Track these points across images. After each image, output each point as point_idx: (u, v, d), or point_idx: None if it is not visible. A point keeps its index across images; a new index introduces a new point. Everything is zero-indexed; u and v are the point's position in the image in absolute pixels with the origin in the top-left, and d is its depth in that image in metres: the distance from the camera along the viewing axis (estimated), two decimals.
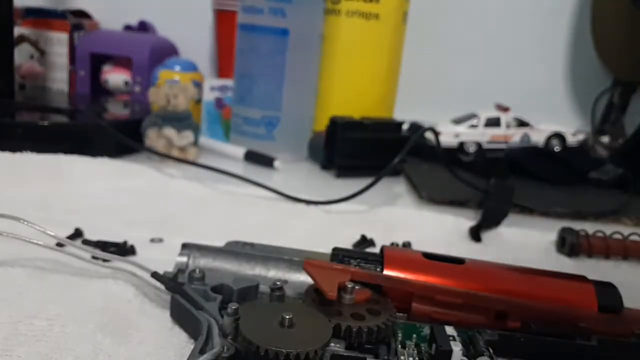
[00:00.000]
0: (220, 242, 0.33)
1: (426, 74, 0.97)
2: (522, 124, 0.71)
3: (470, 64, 0.99)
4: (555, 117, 0.84)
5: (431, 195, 0.53)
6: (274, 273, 0.30)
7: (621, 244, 0.42)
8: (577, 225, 0.45)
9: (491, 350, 0.23)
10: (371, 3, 0.69)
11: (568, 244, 0.42)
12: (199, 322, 0.24)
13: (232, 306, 0.23)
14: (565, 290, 0.27)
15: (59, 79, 0.82)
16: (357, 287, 0.26)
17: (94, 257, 0.32)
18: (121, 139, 0.56)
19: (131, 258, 0.33)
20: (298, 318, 0.22)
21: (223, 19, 0.88)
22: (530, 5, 0.97)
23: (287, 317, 0.22)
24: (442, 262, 0.28)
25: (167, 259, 0.33)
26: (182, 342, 0.25)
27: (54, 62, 0.82)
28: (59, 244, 0.33)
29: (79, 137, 0.56)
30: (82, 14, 0.87)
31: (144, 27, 0.89)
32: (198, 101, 0.71)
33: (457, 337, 0.24)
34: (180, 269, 0.29)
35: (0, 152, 0.50)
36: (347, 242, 0.40)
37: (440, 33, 0.98)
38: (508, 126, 0.71)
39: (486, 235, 0.45)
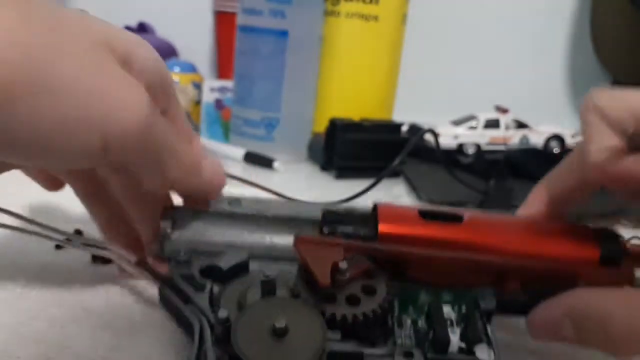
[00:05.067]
0: None
1: (425, 75, 0.97)
2: (521, 125, 0.71)
3: (470, 66, 0.99)
4: (554, 118, 0.84)
5: (430, 196, 0.53)
6: (267, 238, 0.28)
7: None
8: None
9: (489, 330, 0.23)
10: (370, 5, 0.69)
11: None
12: (190, 322, 0.23)
13: (222, 314, 0.22)
14: (566, 244, 0.27)
15: None
16: (350, 260, 0.25)
17: (94, 258, 0.32)
18: None
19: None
20: (291, 321, 0.21)
21: (223, 21, 0.89)
22: (530, 7, 0.98)
23: (280, 326, 0.21)
24: (439, 220, 0.27)
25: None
26: (182, 343, 0.25)
27: None
28: (58, 246, 0.33)
29: None
30: None
31: (143, 28, 0.89)
32: (197, 102, 0.71)
33: (454, 319, 0.24)
34: (165, 235, 0.27)
35: None
36: None
37: (439, 35, 0.98)
38: (507, 128, 0.71)
39: None
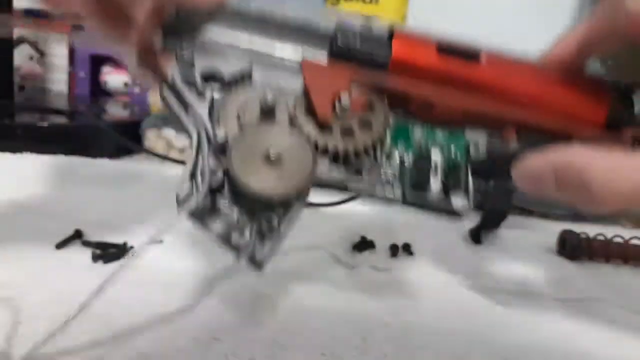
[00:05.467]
0: None
1: None
2: None
3: None
4: None
5: None
6: (273, 47, 0.26)
7: (622, 248, 0.42)
8: (576, 227, 0.45)
9: (470, 181, 0.24)
10: (370, 5, 0.69)
11: (569, 247, 0.42)
12: (189, 132, 0.24)
13: (220, 134, 0.23)
14: (577, 98, 0.26)
15: (59, 80, 0.82)
16: (353, 92, 0.24)
17: (94, 258, 0.32)
18: (120, 140, 0.56)
19: (131, 259, 0.33)
20: (285, 150, 0.23)
21: None
22: (529, 8, 0.97)
23: (274, 155, 0.22)
24: (456, 57, 0.25)
25: (168, 260, 0.33)
26: (182, 342, 0.25)
27: (54, 64, 0.82)
28: (59, 246, 0.33)
29: (79, 138, 0.56)
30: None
31: None
32: None
33: (439, 165, 0.24)
34: (168, 24, 0.26)
35: (0, 152, 0.50)
36: (347, 243, 0.40)
37: (439, 35, 0.98)
38: None
39: (486, 237, 0.45)
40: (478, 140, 0.25)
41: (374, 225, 0.44)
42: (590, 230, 0.44)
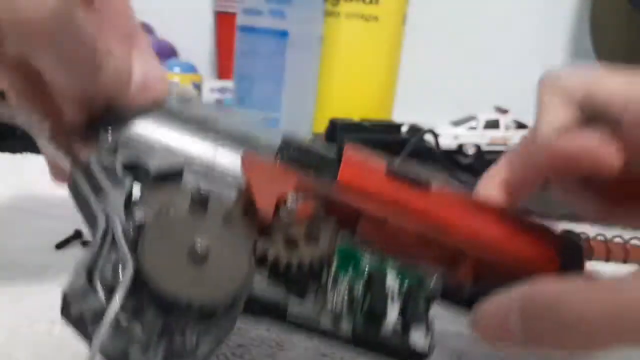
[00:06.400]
0: None
1: (425, 75, 0.97)
2: (521, 126, 0.71)
3: (470, 66, 0.99)
4: None
5: None
6: (211, 154, 0.23)
7: (622, 248, 0.42)
8: (576, 227, 0.45)
9: (430, 314, 0.21)
10: (370, 5, 0.69)
11: None
12: (96, 220, 0.19)
13: (138, 213, 0.19)
14: (529, 244, 0.24)
15: None
16: (299, 199, 0.21)
17: None
18: None
19: None
20: (215, 249, 0.18)
21: (223, 21, 0.89)
22: (529, 7, 0.97)
23: (200, 250, 0.18)
24: (406, 183, 0.24)
25: None
26: None
27: None
28: (58, 246, 0.33)
29: None
30: None
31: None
32: None
33: (396, 292, 0.21)
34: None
35: (0, 152, 0.50)
36: None
37: (439, 35, 0.98)
38: (507, 128, 0.71)
39: None
40: (432, 275, 0.22)
41: None
42: (590, 230, 0.44)
